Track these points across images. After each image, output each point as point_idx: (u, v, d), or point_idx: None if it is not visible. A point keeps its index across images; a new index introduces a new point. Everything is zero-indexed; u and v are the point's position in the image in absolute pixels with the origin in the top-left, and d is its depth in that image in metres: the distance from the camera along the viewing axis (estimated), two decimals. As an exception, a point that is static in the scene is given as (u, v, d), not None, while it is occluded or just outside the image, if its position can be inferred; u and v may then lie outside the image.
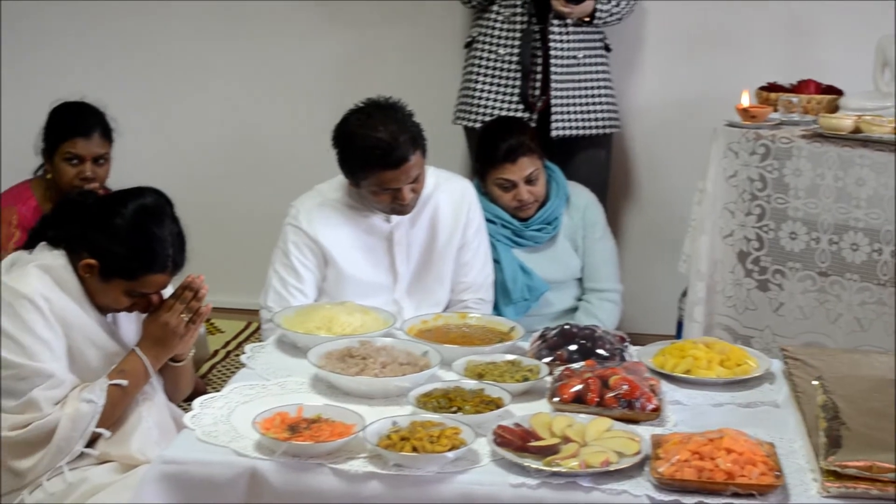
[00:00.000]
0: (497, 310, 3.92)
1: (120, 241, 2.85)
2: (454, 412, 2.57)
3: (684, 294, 4.16)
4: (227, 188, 5.27)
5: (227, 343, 4.92)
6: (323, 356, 2.86)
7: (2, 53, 5.25)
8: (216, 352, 4.77)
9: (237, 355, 4.75)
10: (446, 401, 2.62)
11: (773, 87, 4.25)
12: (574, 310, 4.13)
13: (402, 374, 2.77)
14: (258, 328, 4.94)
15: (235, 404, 2.69)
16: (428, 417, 2.51)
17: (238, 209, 5.26)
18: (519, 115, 4.38)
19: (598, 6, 4.39)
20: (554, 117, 4.42)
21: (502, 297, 3.98)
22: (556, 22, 4.38)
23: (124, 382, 2.86)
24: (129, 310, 2.96)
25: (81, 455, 2.83)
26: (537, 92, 4.43)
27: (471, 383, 2.71)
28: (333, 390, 2.77)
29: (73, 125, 4.10)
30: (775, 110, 4.11)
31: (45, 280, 2.84)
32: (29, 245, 2.98)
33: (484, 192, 4.04)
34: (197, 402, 2.70)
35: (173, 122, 5.29)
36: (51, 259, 2.89)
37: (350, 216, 3.66)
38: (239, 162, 5.27)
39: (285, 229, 3.67)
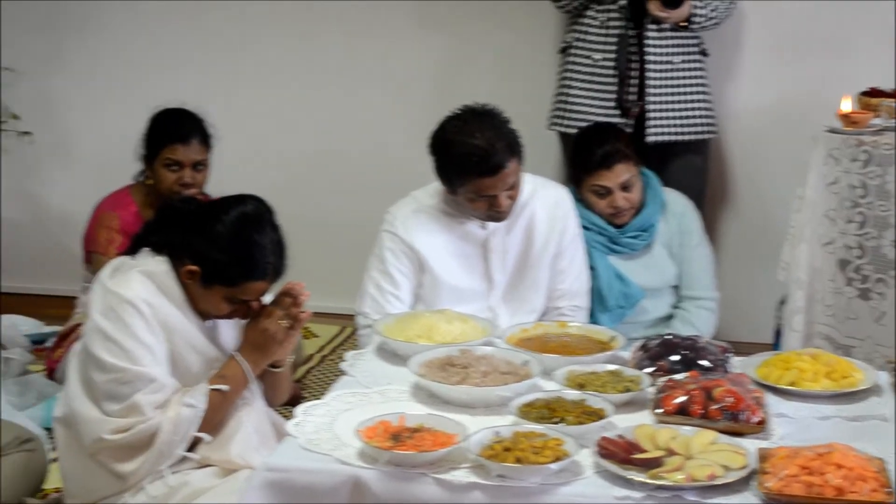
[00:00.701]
0: (593, 317, 3.90)
1: (221, 247, 2.86)
2: (556, 423, 2.55)
3: (782, 302, 4.10)
4: (320, 193, 5.29)
5: (322, 347, 4.95)
6: (423, 365, 2.86)
7: (103, 61, 5.35)
8: (311, 356, 4.80)
9: (332, 360, 4.79)
10: (548, 411, 2.60)
11: (874, 93, 4.17)
12: (670, 317, 4.09)
13: (503, 383, 2.76)
14: (353, 333, 4.96)
15: (337, 412, 2.70)
16: (530, 428, 2.50)
17: (332, 214, 5.28)
18: (614, 120, 4.35)
19: (696, 11, 4.34)
20: (650, 123, 4.39)
21: (598, 304, 3.95)
22: (652, 27, 4.35)
23: (225, 387, 2.88)
24: (229, 316, 2.97)
25: (182, 459, 2.85)
26: (633, 97, 4.40)
27: (573, 394, 2.70)
28: (434, 399, 2.77)
29: (173, 131, 4.16)
30: (877, 116, 4.03)
31: (147, 286, 2.86)
32: (132, 251, 3.00)
33: (579, 198, 4.01)
34: (299, 409, 2.71)
35: (267, 127, 5.33)
36: (153, 265, 2.91)
37: (446, 223, 3.65)
38: (333, 167, 5.29)
39: (381, 235, 3.67)
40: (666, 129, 4.41)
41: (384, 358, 3.08)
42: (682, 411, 2.60)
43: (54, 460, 3.24)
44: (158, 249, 2.94)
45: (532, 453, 2.38)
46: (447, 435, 2.50)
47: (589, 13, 4.41)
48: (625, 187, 3.97)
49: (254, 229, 2.89)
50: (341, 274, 4.64)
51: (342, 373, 3.02)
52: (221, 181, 4.12)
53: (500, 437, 2.46)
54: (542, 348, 3.06)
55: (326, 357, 4.84)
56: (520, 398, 2.67)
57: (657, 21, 4.33)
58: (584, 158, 4.00)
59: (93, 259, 4.22)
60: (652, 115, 4.39)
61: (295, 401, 4.01)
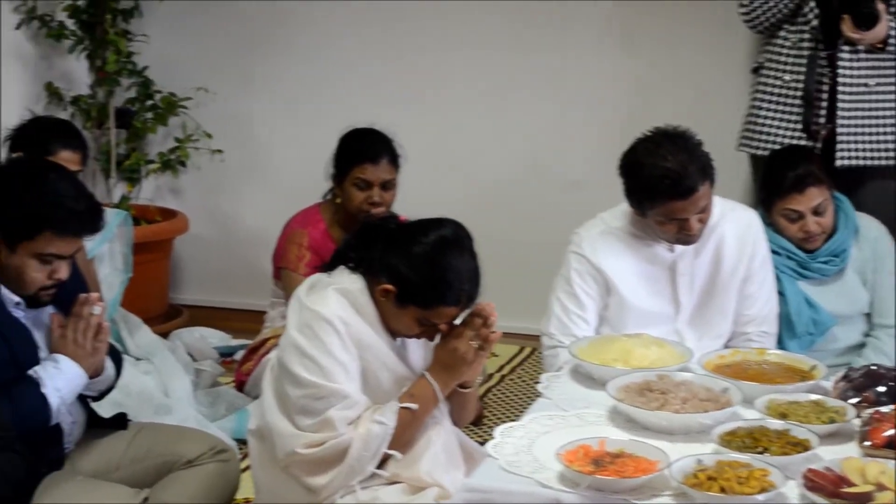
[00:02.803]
0: (781, 344, 3.81)
1: (418, 269, 2.88)
2: (760, 452, 2.51)
3: (978, 333, 3.96)
4: (504, 211, 5.29)
5: (502, 367, 4.96)
6: (621, 389, 2.85)
7: (292, 80, 5.47)
8: (490, 375, 4.81)
9: (511, 379, 4.80)
10: (751, 440, 2.57)
11: None
12: (861, 346, 3.98)
13: (703, 410, 2.74)
14: (532, 353, 4.97)
15: (536, 435, 2.71)
16: (734, 457, 2.47)
17: (516, 233, 5.27)
18: (802, 143, 4.26)
19: (892, 32, 4.23)
20: (840, 146, 4.28)
21: (786, 330, 3.87)
22: (846, 48, 4.24)
23: (414, 406, 2.89)
24: (419, 336, 2.99)
25: (373, 475, 2.87)
26: (822, 120, 4.30)
27: (776, 423, 2.65)
28: (631, 423, 2.76)
29: (363, 151, 4.22)
30: None
31: (343, 304, 2.90)
32: (329, 267, 3.05)
33: (769, 222, 3.94)
34: (498, 430, 2.72)
35: (455, 146, 5.37)
36: (349, 283, 2.94)
37: (633, 245, 3.62)
38: (520, 186, 5.30)
39: (568, 257, 3.66)
40: (856, 154, 4.30)
41: (579, 381, 3.08)
42: (892, 445, 2.54)
43: (245, 470, 3.31)
44: (355, 267, 2.98)
45: (737, 483, 2.35)
46: (649, 461, 2.48)
47: (781, 33, 4.33)
48: (817, 212, 3.88)
49: (451, 254, 2.90)
50: (523, 293, 4.64)
51: (524, 392, 3.02)
52: (410, 200, 4.17)
53: (703, 466, 2.44)
54: (740, 375, 3.01)
55: (506, 376, 4.84)
56: (720, 426, 2.64)
57: (851, 42, 4.23)
58: (775, 181, 3.92)
59: (282, 275, 4.31)
60: (842, 138, 4.29)
61: (477, 420, 4.04)
